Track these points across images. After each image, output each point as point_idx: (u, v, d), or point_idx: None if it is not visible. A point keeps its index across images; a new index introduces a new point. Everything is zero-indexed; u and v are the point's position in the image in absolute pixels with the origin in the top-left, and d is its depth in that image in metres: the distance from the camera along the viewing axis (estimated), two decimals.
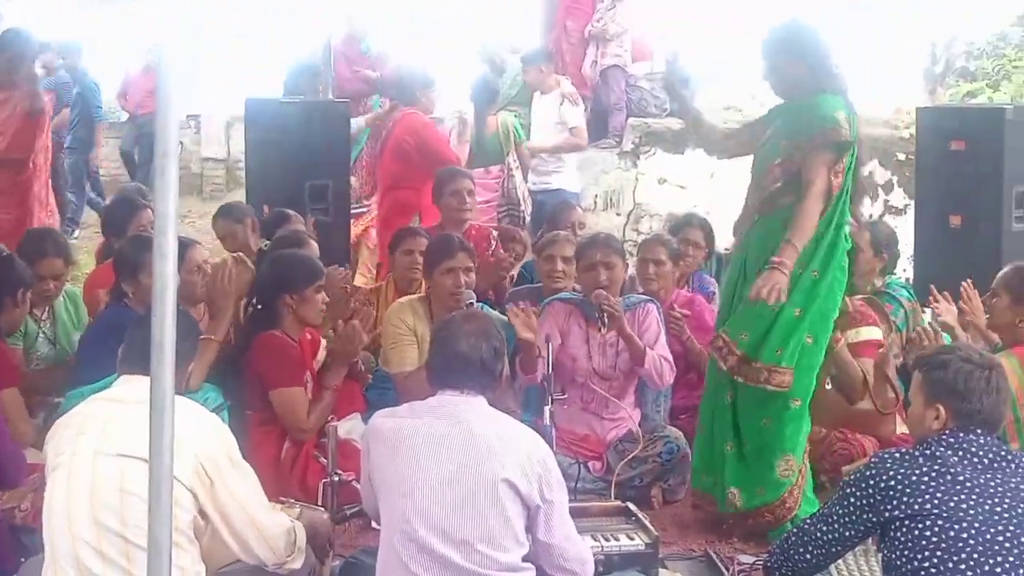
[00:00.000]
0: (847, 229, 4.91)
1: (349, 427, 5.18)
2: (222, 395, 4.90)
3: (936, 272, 6.61)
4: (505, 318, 5.88)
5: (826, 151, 4.75)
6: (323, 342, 5.46)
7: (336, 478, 4.56)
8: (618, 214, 9.87)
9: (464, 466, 3.57)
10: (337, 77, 9.19)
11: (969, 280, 5.52)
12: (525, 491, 3.59)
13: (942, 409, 3.61)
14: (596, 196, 9.83)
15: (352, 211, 8.18)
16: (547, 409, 4.63)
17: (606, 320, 5.46)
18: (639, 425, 5.66)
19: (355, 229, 8.40)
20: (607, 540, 4.20)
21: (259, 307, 5.19)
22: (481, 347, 3.75)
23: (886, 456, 3.61)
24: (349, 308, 5.74)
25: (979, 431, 3.58)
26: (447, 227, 6.91)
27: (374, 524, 3.97)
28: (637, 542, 4.21)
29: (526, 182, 8.78)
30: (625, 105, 10.05)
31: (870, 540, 3.79)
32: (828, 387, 5.47)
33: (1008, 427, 4.86)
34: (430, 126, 8.15)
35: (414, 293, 6.15)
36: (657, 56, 10.49)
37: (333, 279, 5.69)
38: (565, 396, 5.26)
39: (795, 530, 3.83)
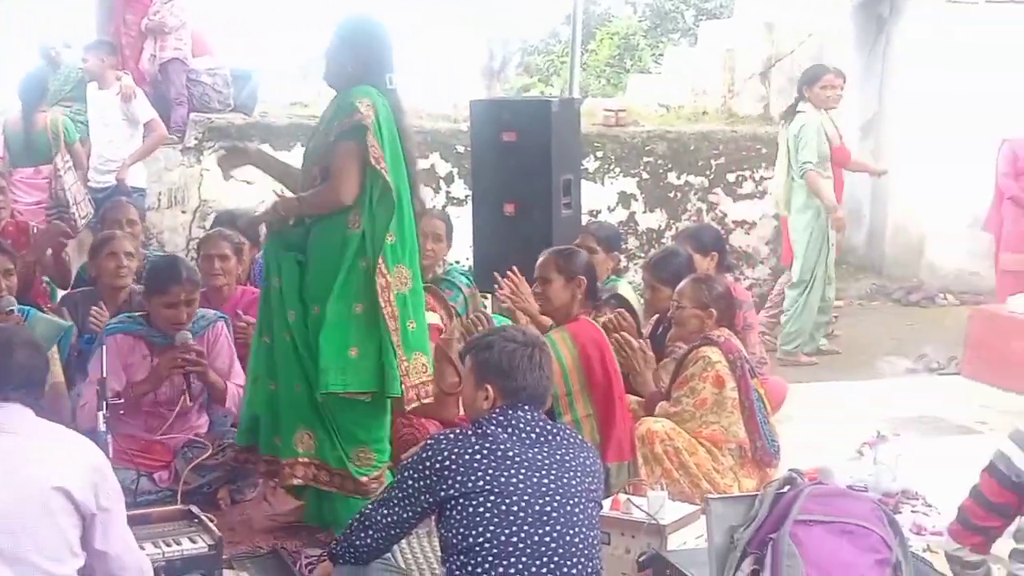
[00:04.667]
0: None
1: None
2: None
3: (494, 258, 6.85)
4: (60, 321, 5.61)
5: (347, 138, 4.74)
6: None
7: None
8: (184, 211, 9.63)
9: (12, 476, 3.36)
10: None
11: (515, 268, 5.75)
12: (80, 499, 3.43)
13: (490, 389, 3.75)
14: (160, 194, 9.52)
15: None
16: (101, 415, 4.42)
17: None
18: (208, 431, 5.55)
19: None
20: (168, 545, 4.07)
21: None
22: (37, 358, 3.61)
23: (441, 437, 3.70)
24: None
25: (526, 407, 3.74)
26: None
27: None
28: (200, 545, 4.11)
29: (84, 181, 8.42)
30: (187, 100, 9.80)
31: (433, 521, 3.85)
32: None
33: (561, 400, 5.14)
34: None
35: None
36: (218, 50, 10.33)
37: None
38: (121, 401, 5.05)
39: (357, 516, 3.86)
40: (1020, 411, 6.70)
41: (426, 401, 4.96)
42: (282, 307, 4.87)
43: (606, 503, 4.44)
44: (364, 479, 4.86)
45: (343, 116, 4.76)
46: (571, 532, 3.55)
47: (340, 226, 4.78)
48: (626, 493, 4.71)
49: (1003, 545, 3.83)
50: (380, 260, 4.74)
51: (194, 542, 4.11)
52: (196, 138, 9.66)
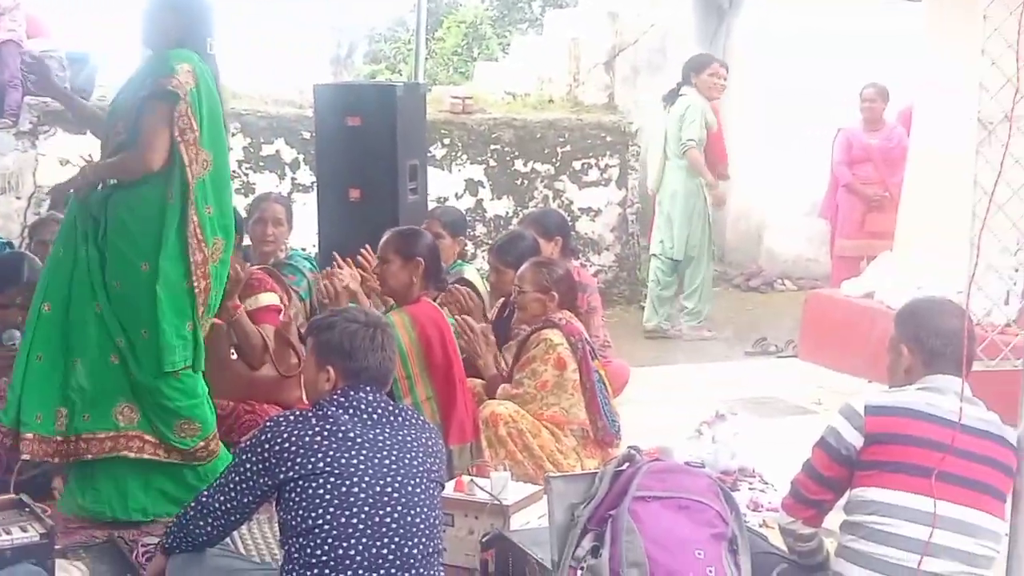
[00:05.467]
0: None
1: None
2: None
3: (339, 244, 6.77)
4: None
5: (156, 100, 4.63)
6: None
7: None
8: (18, 197, 9.32)
9: None
10: None
11: (368, 246, 5.76)
12: None
13: (332, 370, 3.71)
14: None
15: None
16: None
17: None
18: None
19: None
20: None
21: None
22: None
23: (280, 419, 3.65)
24: None
25: (368, 388, 3.71)
26: None
27: None
28: (31, 534, 3.97)
29: None
30: (21, 83, 9.50)
31: (274, 506, 3.80)
32: (233, 356, 5.51)
33: (401, 383, 5.12)
34: None
35: None
36: (54, 32, 10.05)
37: None
38: None
39: (193, 503, 3.78)
40: (853, 391, 6.88)
41: None
42: (88, 277, 4.73)
43: (450, 485, 4.46)
44: (192, 448, 4.83)
45: (159, 76, 4.64)
46: (412, 513, 3.54)
47: (158, 198, 4.68)
48: (470, 475, 4.72)
49: (835, 518, 3.93)
50: (198, 232, 4.69)
51: (25, 531, 3.98)
52: (31, 122, 9.37)
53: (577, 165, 10.52)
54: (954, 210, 6.82)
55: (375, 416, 3.66)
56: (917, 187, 8.12)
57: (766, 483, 5.47)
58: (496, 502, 4.41)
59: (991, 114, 6.67)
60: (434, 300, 5.55)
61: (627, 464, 3.81)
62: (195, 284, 4.70)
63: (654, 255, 9.47)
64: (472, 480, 4.57)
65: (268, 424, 3.64)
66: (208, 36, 4.85)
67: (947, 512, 3.56)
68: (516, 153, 10.39)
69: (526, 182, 10.43)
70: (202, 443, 4.87)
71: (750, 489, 5.42)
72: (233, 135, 9.40)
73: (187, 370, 4.79)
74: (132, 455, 4.78)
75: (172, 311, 4.67)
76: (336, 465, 3.51)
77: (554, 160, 10.47)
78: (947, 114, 7.54)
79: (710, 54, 9.64)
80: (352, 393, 3.68)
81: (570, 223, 9.77)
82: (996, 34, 6.16)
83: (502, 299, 6.18)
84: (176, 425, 4.81)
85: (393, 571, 3.47)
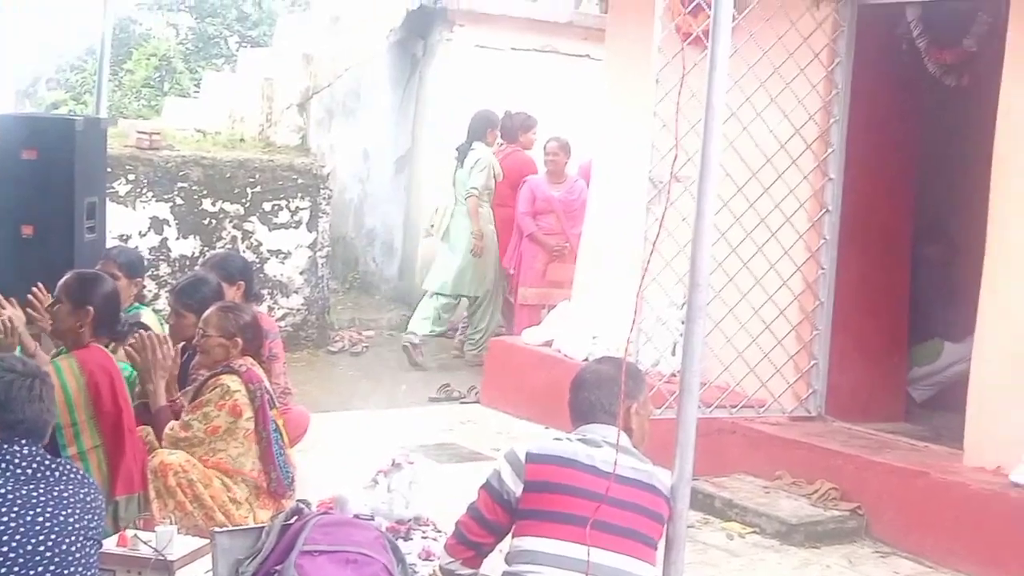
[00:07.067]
0: None
1: None
2: None
3: (9, 283, 6.51)
4: None
5: None
6: None
7: None
8: None
9: None
10: None
11: (41, 285, 5.59)
12: None
13: None
14: None
15: None
16: None
17: None
18: None
19: None
20: None
21: None
22: None
23: None
24: None
25: (24, 441, 3.56)
26: None
27: None
28: None
29: None
30: None
31: None
32: None
33: (65, 431, 4.94)
34: None
35: None
36: None
37: None
38: None
39: None
40: (531, 437, 7.06)
41: None
42: None
43: (113, 539, 4.33)
44: None
45: None
46: (66, 573, 3.42)
47: None
48: (135, 528, 4.59)
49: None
50: None
51: None
52: None
53: (267, 206, 10.41)
54: (627, 263, 7.16)
55: (28, 472, 3.52)
56: (594, 239, 8.47)
57: (439, 531, 5.53)
58: (160, 557, 4.31)
59: (661, 173, 7.06)
60: (107, 346, 5.38)
61: (295, 517, 3.80)
62: None
63: (436, 293, 10.14)
64: (136, 535, 4.44)
65: None
66: None
67: (601, 559, 3.71)
68: (204, 192, 10.19)
69: (214, 222, 10.25)
70: None
71: (423, 538, 5.47)
72: None
73: None
74: None
75: None
76: None
77: (244, 200, 10.33)
78: (622, 171, 7.91)
79: (526, 114, 10.42)
80: (5, 447, 3.52)
81: (258, 265, 9.72)
82: (667, 97, 6.54)
83: (182, 343, 6.05)
84: None
85: None
